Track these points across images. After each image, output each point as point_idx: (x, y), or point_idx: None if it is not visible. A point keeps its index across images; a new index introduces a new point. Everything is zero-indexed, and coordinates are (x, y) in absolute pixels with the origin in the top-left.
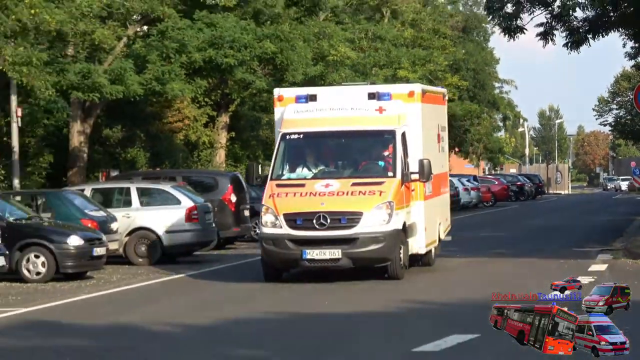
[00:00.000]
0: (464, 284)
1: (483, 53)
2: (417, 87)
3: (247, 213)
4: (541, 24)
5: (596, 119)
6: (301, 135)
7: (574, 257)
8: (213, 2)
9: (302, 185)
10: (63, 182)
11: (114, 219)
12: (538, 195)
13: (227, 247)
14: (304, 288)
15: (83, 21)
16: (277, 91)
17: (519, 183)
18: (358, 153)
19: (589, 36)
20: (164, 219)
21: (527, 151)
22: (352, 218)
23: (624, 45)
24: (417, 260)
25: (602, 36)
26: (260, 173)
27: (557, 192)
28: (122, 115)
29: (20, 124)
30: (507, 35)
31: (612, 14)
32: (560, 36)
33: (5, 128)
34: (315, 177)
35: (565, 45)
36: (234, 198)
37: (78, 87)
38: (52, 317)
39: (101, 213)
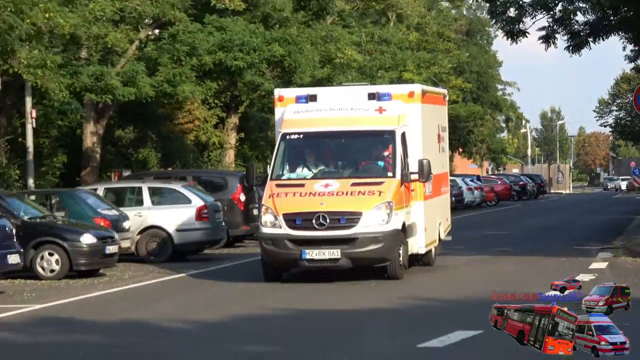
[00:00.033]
0: (465, 282)
1: (486, 56)
2: (417, 88)
3: (255, 212)
4: (543, 28)
5: (597, 121)
6: (301, 136)
7: (574, 255)
8: (223, 6)
9: (302, 185)
10: (76, 181)
11: (126, 218)
12: (540, 194)
13: (236, 245)
14: (307, 287)
15: (96, 25)
16: (277, 91)
17: (521, 183)
18: (358, 153)
19: (590, 39)
20: (175, 217)
21: (529, 152)
22: (352, 218)
23: (624, 49)
24: (417, 260)
25: (603, 39)
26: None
27: (559, 191)
28: (134, 116)
29: (34, 125)
30: (509, 39)
31: (612, 18)
32: (561, 39)
33: (20, 129)
34: (314, 177)
35: (567, 48)
36: (243, 197)
37: (91, 89)
38: (66, 313)
39: (113, 212)
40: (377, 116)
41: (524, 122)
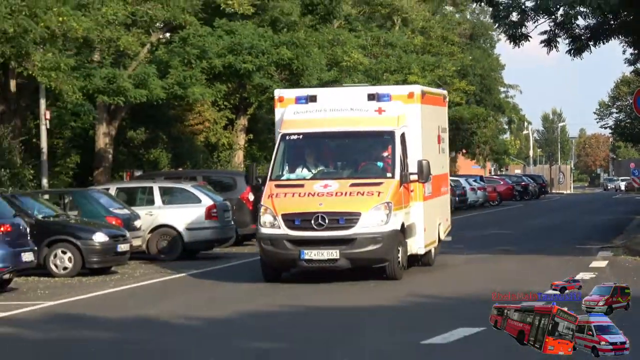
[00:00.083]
0: (466, 281)
1: (489, 59)
2: (417, 88)
3: None
4: (545, 32)
5: (597, 122)
6: (301, 136)
7: (575, 254)
8: (232, 10)
9: (301, 186)
10: (89, 181)
11: (137, 217)
12: (541, 195)
13: (245, 243)
14: (306, 287)
15: (109, 28)
16: (277, 92)
17: (523, 183)
18: (357, 154)
19: (591, 43)
20: (185, 216)
21: (531, 153)
22: (350, 218)
23: (624, 52)
24: (416, 261)
25: (603, 43)
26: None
27: (560, 192)
28: (145, 118)
29: (48, 126)
30: (512, 43)
31: (612, 22)
32: (563, 43)
33: (34, 130)
34: (314, 177)
35: (568, 52)
36: (251, 197)
37: (104, 91)
38: (78, 310)
39: (125, 211)
40: (376, 117)
41: (526, 124)
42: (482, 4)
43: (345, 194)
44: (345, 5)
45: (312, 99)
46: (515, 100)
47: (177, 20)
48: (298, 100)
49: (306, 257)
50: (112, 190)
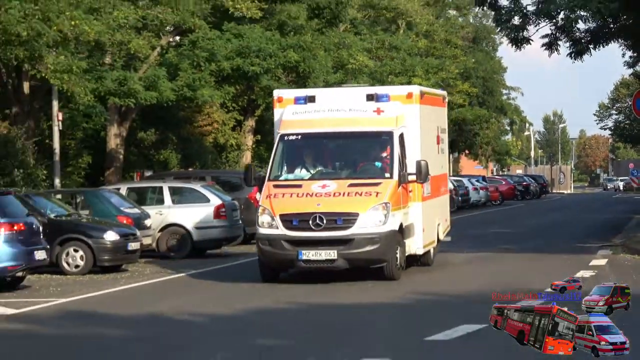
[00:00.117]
0: (466, 279)
1: (492, 62)
2: (416, 89)
3: None
4: (546, 35)
5: (597, 124)
6: (299, 136)
7: (575, 252)
8: (240, 14)
9: (299, 186)
10: (100, 181)
11: (147, 216)
12: (542, 194)
13: (253, 242)
14: (306, 287)
15: (120, 32)
16: (276, 92)
17: (524, 183)
18: (356, 154)
19: (591, 46)
20: (194, 215)
21: (532, 153)
22: (348, 219)
23: (623, 55)
24: (415, 261)
25: (603, 46)
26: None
27: (560, 191)
28: (155, 119)
29: (61, 128)
30: (514, 46)
31: (612, 26)
32: (564, 46)
33: (47, 131)
34: (312, 178)
35: (569, 54)
36: (259, 196)
37: (115, 93)
38: (90, 307)
39: (136, 210)
40: (375, 117)
41: (527, 125)
42: (485, 8)
43: (343, 194)
44: (351, 9)
45: (311, 99)
46: (517, 102)
47: (187, 24)
48: (297, 100)
49: (304, 257)
50: (123, 190)
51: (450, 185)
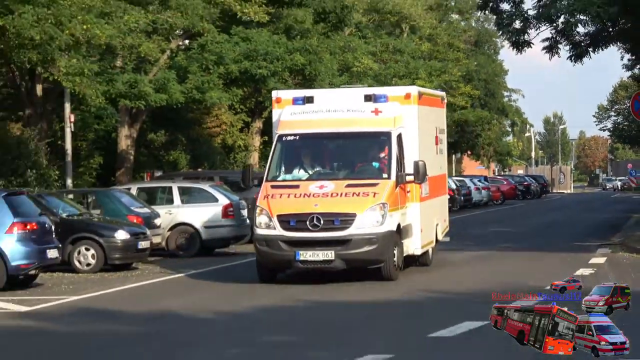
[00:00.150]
0: (466, 278)
1: (493, 65)
2: (414, 90)
3: None
4: (547, 39)
5: (596, 125)
6: (297, 137)
7: (575, 251)
8: (248, 18)
9: (297, 187)
10: (111, 181)
11: (157, 215)
12: (543, 194)
13: None
14: (309, 285)
15: (130, 36)
16: (275, 93)
17: (525, 183)
18: (353, 154)
19: (590, 49)
20: (203, 215)
21: (533, 154)
22: (346, 219)
23: (622, 58)
24: (414, 261)
25: (602, 49)
26: None
27: (560, 191)
28: (165, 121)
29: (73, 129)
30: (515, 49)
31: (611, 29)
32: (564, 49)
33: (59, 132)
34: (310, 178)
35: (569, 57)
36: None
37: (126, 95)
38: (101, 304)
39: (146, 210)
40: (373, 118)
41: (528, 126)
42: (487, 12)
43: (341, 194)
44: (356, 13)
45: (309, 100)
46: (518, 104)
47: (196, 28)
48: (295, 101)
49: (301, 258)
50: (134, 190)
51: (453, 185)
